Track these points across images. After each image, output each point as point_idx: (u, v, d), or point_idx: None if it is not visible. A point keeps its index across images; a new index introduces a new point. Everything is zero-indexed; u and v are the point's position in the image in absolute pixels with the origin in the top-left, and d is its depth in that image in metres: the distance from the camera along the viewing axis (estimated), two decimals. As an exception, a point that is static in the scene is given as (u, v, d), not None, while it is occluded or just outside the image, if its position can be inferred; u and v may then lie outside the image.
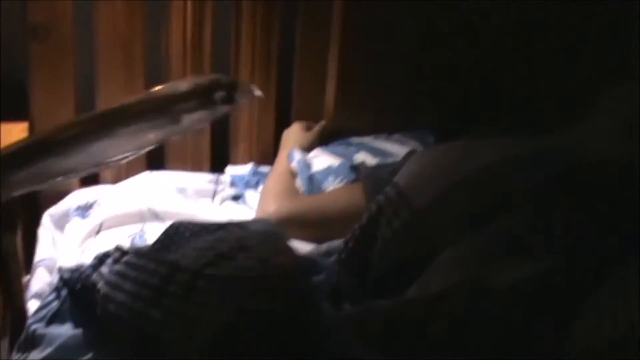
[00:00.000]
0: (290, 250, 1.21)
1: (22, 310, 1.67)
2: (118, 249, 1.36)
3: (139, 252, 1.29)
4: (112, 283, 1.25)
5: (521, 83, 1.84)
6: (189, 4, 1.94)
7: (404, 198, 1.31)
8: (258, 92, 1.10)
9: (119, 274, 1.26)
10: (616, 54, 1.71)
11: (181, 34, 1.97)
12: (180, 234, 1.33)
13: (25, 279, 1.78)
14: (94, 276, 1.33)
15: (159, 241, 1.33)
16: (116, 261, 1.32)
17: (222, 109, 1.04)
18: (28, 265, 1.81)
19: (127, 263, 1.27)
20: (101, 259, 1.38)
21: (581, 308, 1.04)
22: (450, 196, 1.29)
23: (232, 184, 2.02)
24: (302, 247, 1.62)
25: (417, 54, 2.07)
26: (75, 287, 1.36)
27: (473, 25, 1.95)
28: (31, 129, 1.85)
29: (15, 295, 1.72)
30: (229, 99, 1.06)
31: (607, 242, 1.13)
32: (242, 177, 2.01)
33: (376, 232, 1.31)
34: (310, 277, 1.26)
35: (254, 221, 1.45)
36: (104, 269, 1.33)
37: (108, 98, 1.93)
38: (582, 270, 1.10)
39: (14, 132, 1.75)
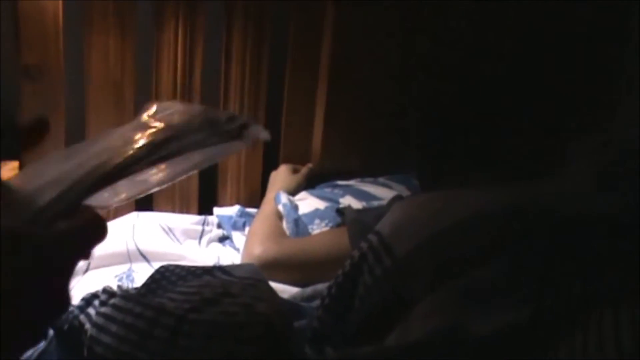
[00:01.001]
0: (273, 297, 1.23)
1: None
2: (105, 290, 1.38)
3: (125, 295, 1.31)
4: (99, 325, 1.27)
5: (502, 129, 1.87)
6: (180, 45, 1.98)
7: (386, 246, 1.33)
8: (266, 134, 1.11)
9: (105, 316, 1.28)
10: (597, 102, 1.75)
11: (171, 73, 2.00)
12: (166, 278, 1.35)
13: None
14: (82, 317, 1.35)
15: (145, 285, 1.36)
16: (103, 303, 1.34)
17: (236, 146, 1.04)
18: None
19: (114, 305, 1.29)
20: (88, 301, 1.40)
21: (557, 354, 1.07)
22: (429, 246, 1.31)
23: (219, 225, 2.04)
24: (287, 289, 1.64)
25: (401, 99, 2.11)
26: (63, 327, 1.38)
27: (456, 70, 1.99)
28: (21, 167, 1.87)
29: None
30: (239, 136, 1.06)
31: (584, 289, 1.15)
32: (229, 218, 2.04)
33: (358, 278, 1.34)
34: (292, 324, 1.28)
35: (239, 266, 1.48)
36: (91, 310, 1.35)
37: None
38: (558, 317, 1.12)
39: (4, 172, 1.77)
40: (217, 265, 1.75)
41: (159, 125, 0.81)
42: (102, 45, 1.92)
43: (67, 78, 1.90)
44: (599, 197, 1.36)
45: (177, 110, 0.87)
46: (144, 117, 0.84)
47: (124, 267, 1.75)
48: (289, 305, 1.42)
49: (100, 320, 1.27)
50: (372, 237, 1.40)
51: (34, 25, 1.82)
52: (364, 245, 1.40)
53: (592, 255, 1.24)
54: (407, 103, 2.10)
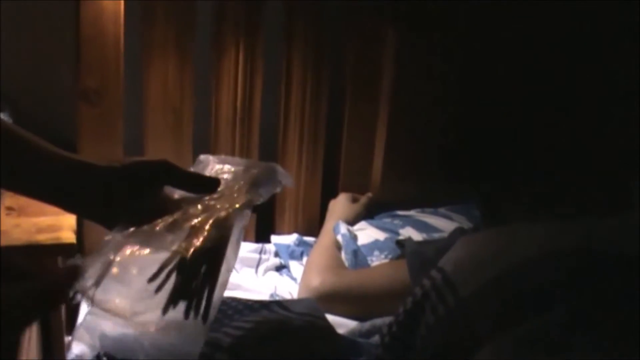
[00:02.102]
0: (332, 335, 1.19)
1: (62, 372, 1.67)
2: (163, 320, 1.36)
3: (181, 328, 1.28)
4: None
5: (571, 163, 1.82)
6: (240, 71, 1.96)
7: (449, 285, 1.29)
8: (291, 181, 1.10)
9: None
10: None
11: (231, 98, 1.98)
12: (222, 311, 1.32)
13: (67, 339, 1.78)
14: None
15: (202, 318, 1.32)
16: (158, 336, 1.31)
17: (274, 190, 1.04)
18: (70, 326, 1.81)
19: (169, 338, 1.26)
20: (143, 332, 1.37)
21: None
22: (494, 287, 1.26)
23: (276, 253, 2.01)
24: (344, 323, 1.60)
25: (461, 127, 2.07)
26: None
27: (516, 101, 1.95)
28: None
29: (56, 355, 1.72)
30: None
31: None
32: (286, 247, 2.00)
33: (420, 317, 1.29)
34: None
35: (298, 301, 1.44)
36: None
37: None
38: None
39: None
40: (275, 297, 1.72)
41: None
42: (161, 71, 1.90)
43: (125, 102, 1.89)
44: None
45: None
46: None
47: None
48: (348, 344, 1.38)
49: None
50: (435, 274, 1.35)
51: (95, 49, 1.81)
52: (426, 282, 1.35)
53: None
54: (468, 134, 2.07)
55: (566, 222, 1.36)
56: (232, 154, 2.00)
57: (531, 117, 1.96)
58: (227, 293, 1.71)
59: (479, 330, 1.22)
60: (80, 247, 1.79)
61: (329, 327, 1.26)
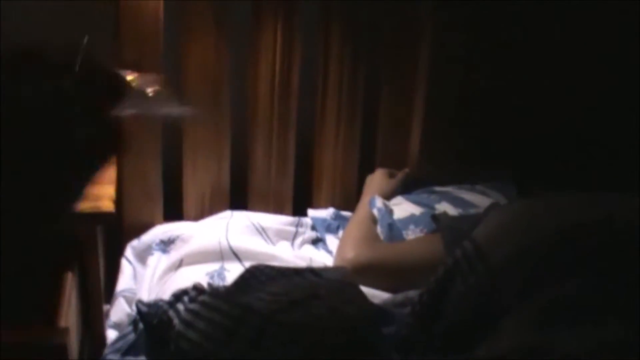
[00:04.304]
0: (362, 300, 1.21)
1: (101, 338, 1.70)
2: (195, 287, 1.39)
3: (214, 293, 1.31)
4: (187, 321, 1.27)
5: (610, 140, 1.82)
6: (278, 44, 1.96)
7: (480, 253, 1.30)
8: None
9: (194, 312, 1.28)
10: None
11: (269, 71, 1.99)
12: (256, 277, 1.35)
13: (106, 308, 1.82)
14: (171, 312, 1.35)
15: (235, 283, 1.35)
16: (192, 300, 1.34)
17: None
18: (109, 295, 1.85)
19: (202, 302, 1.29)
20: (178, 296, 1.40)
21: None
22: (524, 255, 1.27)
23: (313, 227, 2.02)
24: (378, 294, 1.61)
25: (502, 100, 2.06)
26: (152, 321, 1.38)
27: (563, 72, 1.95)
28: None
29: (95, 323, 1.75)
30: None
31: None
32: (323, 221, 2.02)
33: (451, 286, 1.30)
34: (379, 328, 1.25)
35: (330, 269, 1.46)
36: (180, 306, 1.35)
37: (193, 138, 1.97)
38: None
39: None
40: (308, 267, 1.74)
41: None
42: (200, 45, 1.92)
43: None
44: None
45: None
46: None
47: (215, 265, 1.75)
48: (379, 311, 1.39)
49: (188, 317, 1.27)
50: (466, 244, 1.36)
51: (134, 25, 1.83)
52: (458, 252, 1.36)
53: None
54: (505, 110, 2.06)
55: (593, 195, 1.37)
56: (269, 130, 2.01)
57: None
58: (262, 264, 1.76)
59: (507, 299, 1.23)
60: (119, 216, 1.82)
61: (360, 293, 1.28)
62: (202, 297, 1.32)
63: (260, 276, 1.35)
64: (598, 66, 1.93)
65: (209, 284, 1.52)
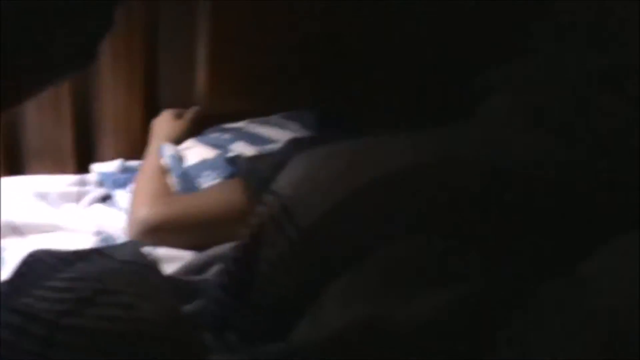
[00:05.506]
0: (157, 289, 1.06)
1: None
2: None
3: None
4: None
5: (406, 63, 1.72)
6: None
7: (288, 213, 1.16)
8: None
9: None
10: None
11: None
12: (34, 270, 1.15)
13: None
14: None
15: (10, 281, 1.15)
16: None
17: None
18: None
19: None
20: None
21: (495, 340, 0.93)
22: (344, 211, 1.13)
23: (100, 183, 1.84)
24: (179, 255, 1.48)
25: (294, 26, 1.92)
26: None
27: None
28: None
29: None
30: None
31: (526, 264, 1.01)
32: (110, 175, 1.84)
33: (258, 253, 1.17)
34: (185, 325, 1.09)
35: (120, 246, 1.30)
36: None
37: None
38: (498, 299, 0.98)
39: None
40: (101, 236, 1.58)
41: None
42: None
43: None
44: (535, 141, 1.20)
45: None
46: None
47: (-10, 245, 1.55)
48: (180, 287, 1.25)
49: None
50: (271, 200, 1.22)
51: None
52: (262, 210, 1.22)
53: (538, 215, 1.09)
54: (306, 36, 1.92)
55: (417, 134, 1.25)
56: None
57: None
58: (44, 236, 1.57)
59: (330, 264, 1.10)
60: None
61: (158, 276, 1.13)
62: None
63: (37, 267, 1.16)
64: None
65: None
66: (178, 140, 1.84)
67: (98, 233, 1.61)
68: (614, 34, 1.37)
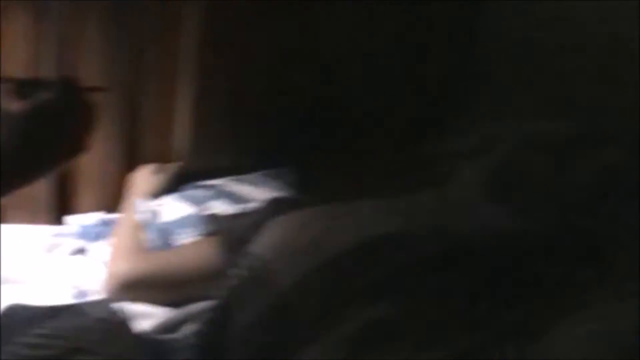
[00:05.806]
0: (134, 346, 1.06)
1: None
2: None
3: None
4: None
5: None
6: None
7: (268, 276, 1.17)
8: None
9: None
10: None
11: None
12: (10, 325, 1.16)
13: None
14: None
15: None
16: None
17: None
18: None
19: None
20: None
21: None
22: (322, 275, 1.15)
23: (78, 236, 1.84)
24: (154, 313, 1.48)
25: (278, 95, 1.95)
26: None
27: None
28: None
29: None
30: None
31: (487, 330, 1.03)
32: (87, 228, 1.84)
33: (235, 314, 1.17)
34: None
35: (94, 303, 1.30)
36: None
37: None
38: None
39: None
40: (77, 290, 1.58)
41: None
42: None
43: None
44: (494, 210, 1.24)
45: None
46: None
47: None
48: (153, 346, 1.25)
49: None
50: (249, 262, 1.23)
51: None
52: (238, 272, 1.23)
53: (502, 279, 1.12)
54: (282, 101, 1.95)
55: (387, 201, 1.27)
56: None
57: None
58: (19, 286, 1.57)
59: (305, 328, 1.11)
60: None
61: (129, 338, 1.13)
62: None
63: (14, 322, 1.16)
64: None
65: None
66: (155, 196, 1.85)
67: (73, 287, 1.61)
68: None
